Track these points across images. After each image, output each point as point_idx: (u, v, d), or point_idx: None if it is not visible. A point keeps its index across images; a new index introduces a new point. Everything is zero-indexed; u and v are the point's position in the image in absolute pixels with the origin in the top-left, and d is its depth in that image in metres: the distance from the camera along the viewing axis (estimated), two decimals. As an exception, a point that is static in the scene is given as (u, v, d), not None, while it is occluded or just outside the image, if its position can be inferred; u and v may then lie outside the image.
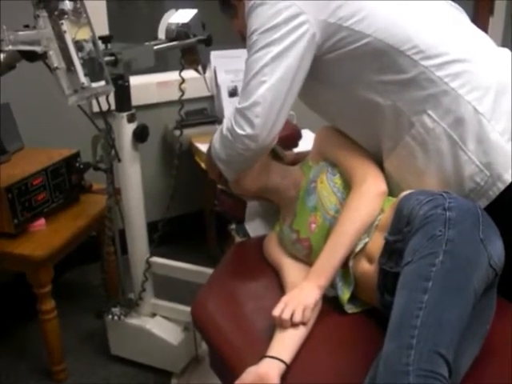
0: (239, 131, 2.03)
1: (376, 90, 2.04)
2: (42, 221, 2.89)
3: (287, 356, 1.80)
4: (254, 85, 2.00)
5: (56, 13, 1.98)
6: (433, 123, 1.99)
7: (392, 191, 2.16)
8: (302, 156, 2.54)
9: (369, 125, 2.15)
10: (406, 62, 1.97)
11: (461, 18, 2.18)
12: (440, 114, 1.98)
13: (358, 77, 2.05)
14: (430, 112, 1.99)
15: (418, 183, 2.07)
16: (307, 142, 3.08)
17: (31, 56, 2.07)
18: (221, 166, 2.23)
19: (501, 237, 1.80)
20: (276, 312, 1.90)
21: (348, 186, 2.16)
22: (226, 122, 2.11)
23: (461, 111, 1.96)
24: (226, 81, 3.66)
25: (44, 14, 1.96)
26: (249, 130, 2.01)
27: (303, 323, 1.89)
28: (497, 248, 1.76)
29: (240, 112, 2.03)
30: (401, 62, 1.98)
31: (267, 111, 2.01)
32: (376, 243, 1.97)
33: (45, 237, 2.83)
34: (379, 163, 2.22)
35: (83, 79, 2.03)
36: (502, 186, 1.99)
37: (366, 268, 2.00)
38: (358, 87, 2.07)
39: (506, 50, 2.18)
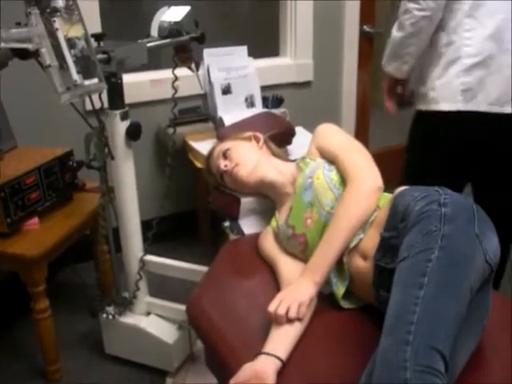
0: None
1: None
2: (35, 220, 2.87)
3: (283, 353, 1.81)
4: None
5: (48, 10, 1.97)
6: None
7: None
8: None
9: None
10: None
11: None
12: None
13: None
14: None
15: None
16: (301, 139, 3.10)
17: (23, 54, 2.05)
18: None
19: (496, 232, 1.81)
20: (271, 308, 1.90)
21: (344, 182, 2.16)
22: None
23: None
24: (219, 78, 3.64)
25: (36, 11, 1.95)
26: None
27: (299, 319, 1.89)
28: (492, 243, 1.77)
29: None
30: None
31: None
32: (371, 240, 1.98)
33: (38, 236, 2.81)
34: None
35: (76, 76, 2.02)
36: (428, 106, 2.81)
37: (361, 264, 2.00)
38: None
39: None
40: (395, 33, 2.80)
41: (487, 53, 2.65)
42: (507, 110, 2.69)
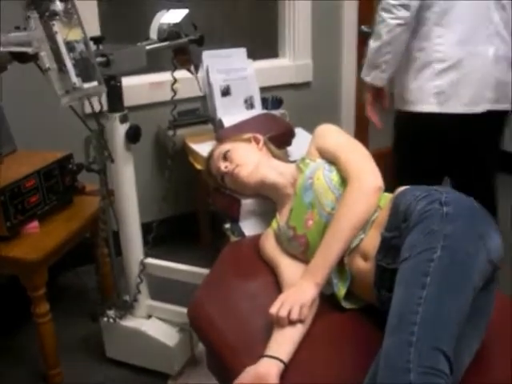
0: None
1: None
2: (35, 223, 2.87)
3: (286, 355, 1.80)
4: None
5: (47, 14, 1.97)
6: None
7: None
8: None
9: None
10: None
11: None
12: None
13: None
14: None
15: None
16: (300, 140, 3.09)
17: (23, 57, 2.04)
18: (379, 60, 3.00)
19: (498, 230, 1.81)
20: (273, 310, 1.89)
21: (345, 182, 2.15)
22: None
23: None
24: (218, 80, 3.65)
25: (35, 15, 1.94)
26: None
27: (301, 321, 1.88)
28: (495, 242, 1.76)
29: None
30: None
31: None
32: (372, 240, 1.97)
33: (38, 239, 2.80)
34: None
35: (75, 80, 2.02)
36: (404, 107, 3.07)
37: (362, 265, 2.00)
38: None
39: None
40: (372, 43, 3.02)
41: (457, 57, 2.90)
42: (479, 109, 2.97)
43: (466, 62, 2.90)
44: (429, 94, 2.96)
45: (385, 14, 2.87)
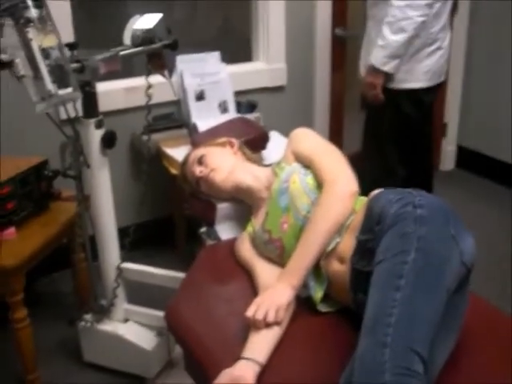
0: None
1: None
2: (12, 229, 2.86)
3: (262, 357, 1.82)
4: None
5: (21, 21, 1.98)
6: None
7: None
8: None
9: None
10: None
11: None
12: None
13: None
14: None
15: None
16: (275, 143, 3.10)
17: (-3, 64, 2.06)
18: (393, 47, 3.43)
19: (470, 232, 1.83)
20: (249, 313, 1.91)
21: (320, 186, 2.17)
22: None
23: None
24: (192, 84, 3.65)
25: (9, 22, 1.95)
26: None
27: (277, 323, 1.89)
28: (468, 245, 1.79)
29: None
30: None
31: None
32: (347, 243, 1.99)
33: (15, 245, 2.79)
34: None
35: (50, 86, 2.03)
36: (392, 85, 3.59)
37: (338, 268, 2.01)
38: None
39: None
40: (394, 37, 3.42)
41: (440, 42, 3.60)
42: (442, 79, 3.80)
43: (443, 44, 3.63)
44: (420, 73, 3.61)
45: (411, 12, 3.33)
